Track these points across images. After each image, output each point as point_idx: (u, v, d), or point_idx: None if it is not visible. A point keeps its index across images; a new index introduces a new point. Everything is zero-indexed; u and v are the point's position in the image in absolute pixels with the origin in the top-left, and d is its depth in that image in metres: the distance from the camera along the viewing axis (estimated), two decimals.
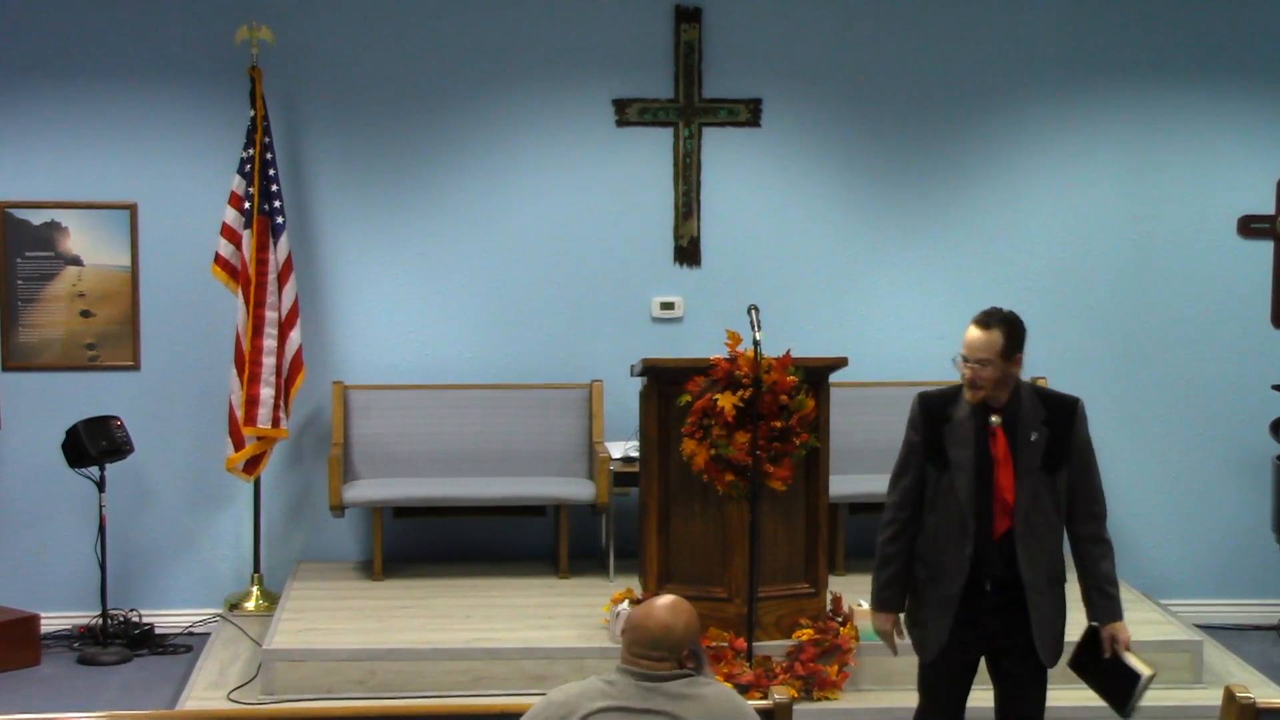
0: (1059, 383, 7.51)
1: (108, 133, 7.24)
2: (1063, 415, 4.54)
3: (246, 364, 6.97)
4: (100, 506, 6.97)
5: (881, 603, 4.66)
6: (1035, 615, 4.50)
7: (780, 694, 3.80)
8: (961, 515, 4.48)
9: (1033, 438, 4.48)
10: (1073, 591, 4.63)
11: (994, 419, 4.49)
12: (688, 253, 7.53)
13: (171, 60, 7.24)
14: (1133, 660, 4.50)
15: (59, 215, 7.24)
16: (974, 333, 4.46)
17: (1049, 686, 4.63)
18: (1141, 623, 6.48)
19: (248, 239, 7.00)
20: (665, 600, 3.53)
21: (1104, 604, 4.59)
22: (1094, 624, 4.60)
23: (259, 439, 7.02)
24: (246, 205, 7.01)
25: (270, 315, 7.00)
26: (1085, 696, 4.81)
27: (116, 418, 7.00)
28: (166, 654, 6.98)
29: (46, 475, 7.17)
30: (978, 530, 4.47)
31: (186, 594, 7.36)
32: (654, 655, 3.43)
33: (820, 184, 7.56)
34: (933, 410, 4.57)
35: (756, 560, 5.97)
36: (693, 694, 3.39)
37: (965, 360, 4.46)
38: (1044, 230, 7.60)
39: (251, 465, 7.09)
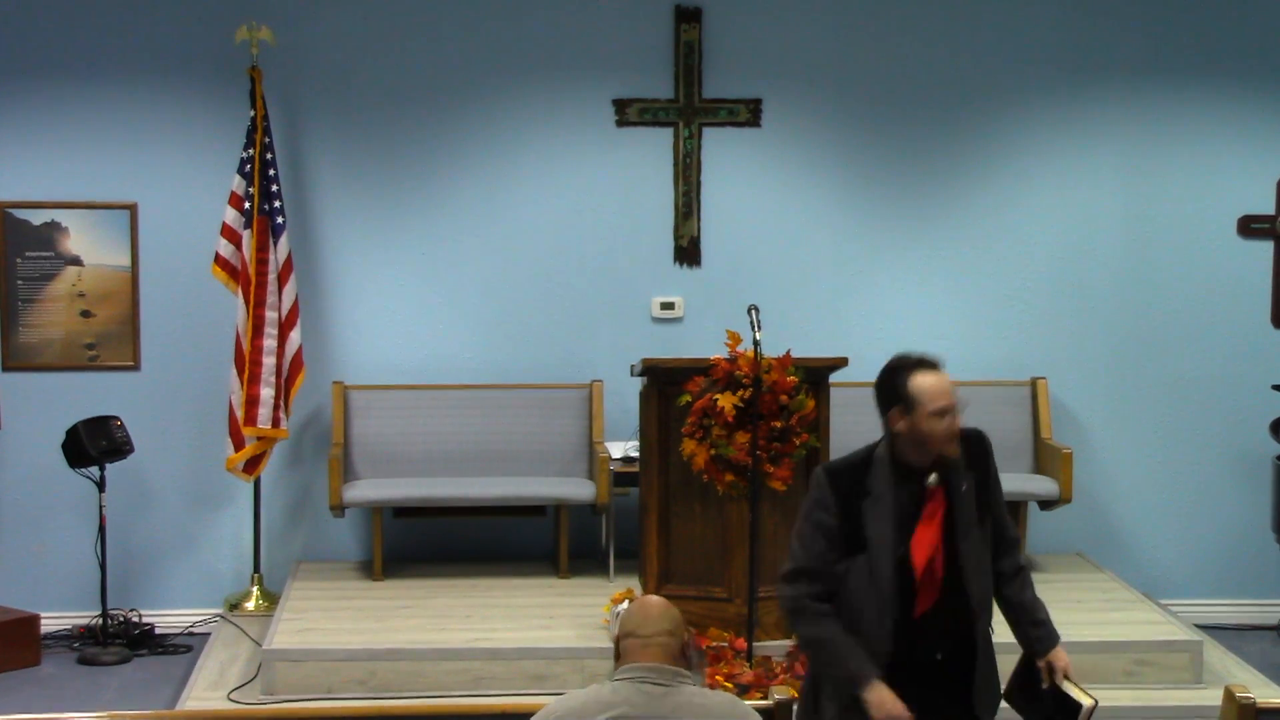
0: (1059, 383, 7.53)
1: (108, 133, 7.24)
2: (980, 451, 4.03)
3: (246, 364, 6.97)
4: (100, 506, 6.97)
5: (854, 673, 3.89)
6: (979, 677, 4.01)
7: (780, 694, 3.80)
8: (879, 600, 3.90)
9: (964, 488, 3.95)
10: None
11: (931, 479, 3.92)
12: (688, 253, 7.53)
13: (171, 60, 7.24)
14: (1072, 690, 4.02)
15: (59, 215, 7.24)
16: (943, 380, 3.92)
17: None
18: (1141, 623, 6.49)
19: (248, 239, 7.00)
20: (651, 596, 3.64)
21: (1039, 633, 4.07)
22: (1029, 654, 4.12)
23: (259, 439, 7.02)
24: (246, 205, 7.01)
25: (270, 315, 7.00)
26: None
27: (116, 418, 7.00)
28: (166, 654, 6.98)
29: (46, 475, 7.17)
30: (900, 611, 3.91)
31: (186, 594, 7.36)
32: (666, 629, 3.44)
33: (820, 184, 7.56)
34: (847, 485, 3.95)
35: (756, 560, 5.97)
36: (698, 702, 3.38)
37: (945, 413, 3.88)
38: (1044, 230, 7.60)
39: (251, 465, 7.09)
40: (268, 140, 7.03)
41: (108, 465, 6.95)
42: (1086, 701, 3.97)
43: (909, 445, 3.95)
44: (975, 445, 4.01)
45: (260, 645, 6.27)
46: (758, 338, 5.89)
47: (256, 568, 7.30)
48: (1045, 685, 4.07)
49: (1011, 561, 4.09)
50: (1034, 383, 7.50)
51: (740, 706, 3.45)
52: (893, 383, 3.97)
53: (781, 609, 4.12)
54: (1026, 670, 4.13)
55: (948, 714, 4.01)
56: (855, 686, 3.86)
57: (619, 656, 3.49)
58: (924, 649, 3.96)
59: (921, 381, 3.91)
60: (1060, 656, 4.07)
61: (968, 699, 4.01)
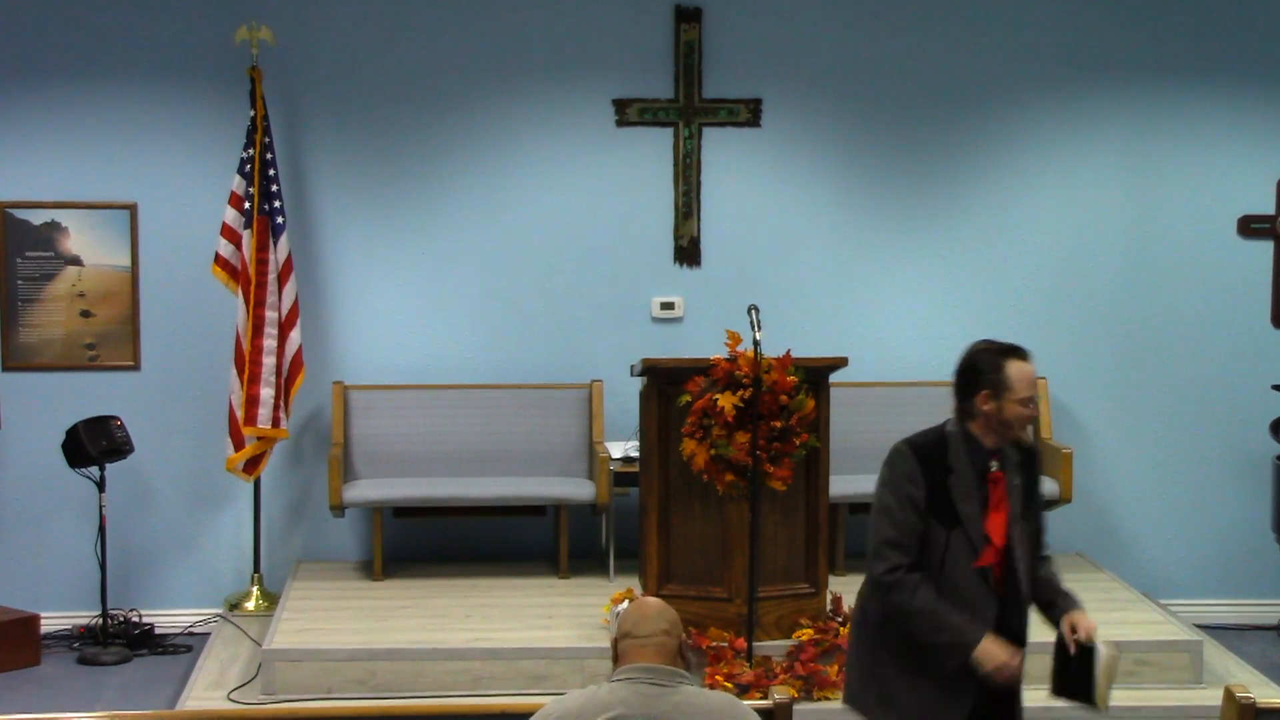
0: (1059, 383, 7.53)
1: (108, 133, 7.24)
2: (1030, 456, 4.22)
3: (246, 364, 6.97)
4: (100, 506, 6.97)
5: (963, 640, 4.03)
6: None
7: (780, 694, 3.80)
8: (980, 575, 4.07)
9: (1016, 481, 4.15)
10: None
11: (993, 464, 4.12)
12: (688, 253, 7.53)
13: (171, 60, 7.24)
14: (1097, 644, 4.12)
15: (59, 215, 7.24)
16: (1030, 369, 4.09)
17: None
18: (1141, 623, 6.49)
19: (248, 239, 7.00)
20: (648, 598, 3.65)
21: (1062, 598, 4.21)
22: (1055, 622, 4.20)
23: (259, 439, 7.02)
24: (246, 205, 7.01)
25: (270, 315, 7.00)
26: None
27: (116, 418, 7.00)
28: (166, 654, 6.98)
29: (46, 475, 7.17)
30: (1000, 589, 4.10)
31: (186, 594, 7.36)
32: (663, 629, 3.44)
33: (820, 184, 7.56)
34: (933, 462, 4.09)
35: (756, 560, 5.97)
36: (697, 702, 3.37)
37: (1029, 401, 4.06)
38: (1044, 230, 7.60)
39: (251, 465, 7.09)
40: (268, 140, 7.03)
41: (108, 465, 6.95)
42: (1104, 649, 4.06)
43: (988, 427, 4.11)
44: (1026, 453, 4.20)
45: (260, 645, 6.26)
46: (758, 338, 5.89)
47: (256, 568, 7.30)
48: (1073, 650, 4.10)
49: (1040, 552, 4.24)
50: None
51: (739, 707, 3.45)
52: (984, 367, 4.10)
53: (872, 582, 4.18)
54: (1060, 651, 4.14)
55: (998, 696, 4.13)
56: (966, 648, 3.99)
57: (617, 659, 3.49)
58: (1012, 623, 4.10)
59: (1014, 369, 4.07)
60: (1083, 617, 4.14)
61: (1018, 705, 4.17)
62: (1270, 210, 7.63)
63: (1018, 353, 4.11)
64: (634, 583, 6.61)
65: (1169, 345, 7.64)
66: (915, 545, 4.07)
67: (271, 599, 7.14)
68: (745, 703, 3.53)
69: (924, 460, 4.08)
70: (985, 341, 4.20)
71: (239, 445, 7.01)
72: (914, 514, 4.06)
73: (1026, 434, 4.16)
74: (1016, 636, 4.12)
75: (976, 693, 4.08)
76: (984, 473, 4.09)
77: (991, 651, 4.00)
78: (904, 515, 4.07)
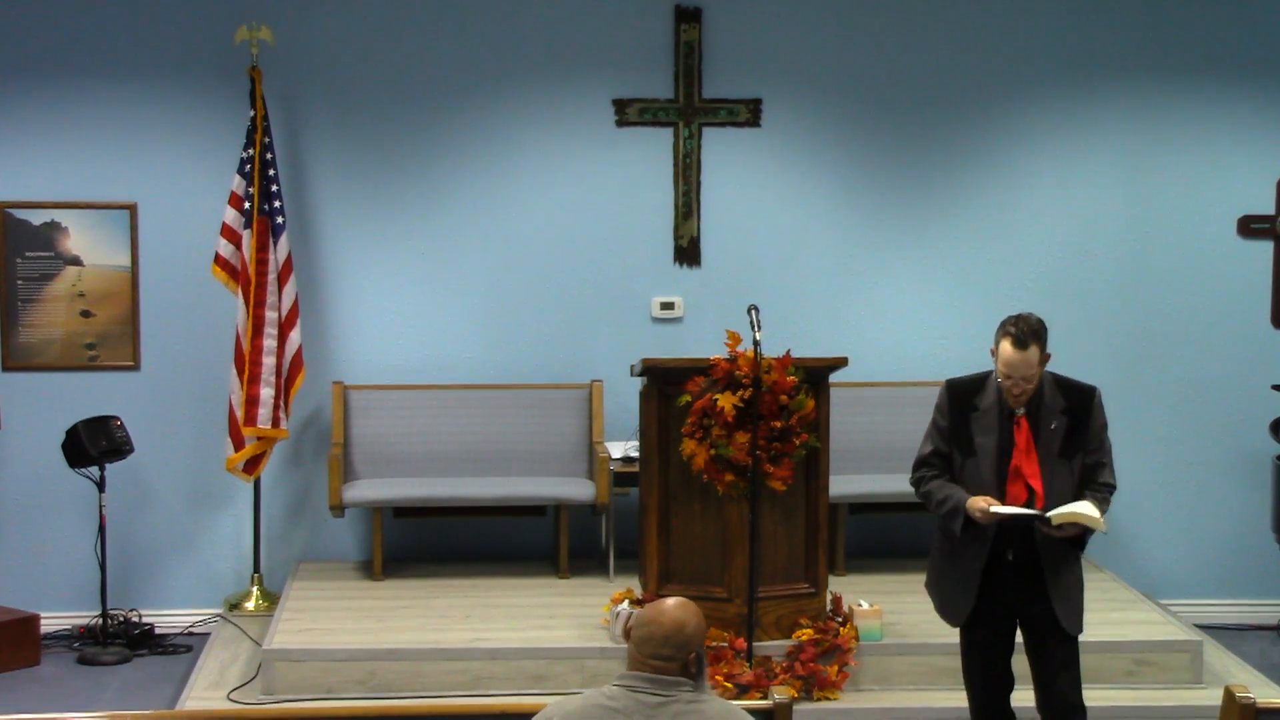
0: None
1: (108, 133, 7.24)
2: (1081, 404, 4.83)
3: (246, 364, 6.97)
4: (100, 506, 6.97)
5: (955, 502, 4.78)
6: (1053, 585, 4.77)
7: (780, 694, 3.80)
8: (984, 493, 4.74)
9: (1053, 426, 4.77)
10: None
11: (1018, 410, 4.77)
12: (688, 253, 7.53)
13: (171, 60, 7.24)
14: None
15: (59, 215, 7.24)
16: (1014, 354, 4.69)
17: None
18: (1141, 623, 6.49)
19: (248, 239, 7.00)
20: (674, 600, 3.51)
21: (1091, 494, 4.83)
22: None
23: (259, 439, 7.02)
24: (246, 205, 7.01)
25: (270, 315, 7.00)
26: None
27: (116, 418, 7.00)
28: (166, 654, 6.98)
29: (46, 475, 7.17)
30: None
31: (186, 594, 7.36)
32: (664, 654, 3.39)
33: (820, 184, 7.56)
34: (960, 398, 4.87)
35: (756, 560, 5.97)
36: (695, 711, 3.36)
37: (1009, 378, 4.71)
38: (1044, 230, 7.60)
39: (251, 465, 7.09)
40: (268, 140, 7.03)
41: (108, 465, 6.95)
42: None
43: None
44: (1077, 396, 4.85)
45: (260, 645, 6.26)
46: (758, 338, 5.89)
47: (256, 568, 7.30)
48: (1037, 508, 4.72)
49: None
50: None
51: (739, 716, 3.43)
52: (996, 335, 4.80)
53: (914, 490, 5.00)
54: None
55: (1031, 613, 4.83)
56: (959, 506, 4.75)
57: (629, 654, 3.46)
58: (1003, 542, 4.77)
59: (1002, 348, 4.74)
60: (1086, 507, 4.70)
61: (1048, 602, 4.77)
62: (1270, 210, 7.63)
63: (1009, 333, 4.72)
64: (634, 583, 6.61)
65: (1169, 345, 7.64)
66: (941, 462, 4.89)
67: (271, 599, 7.14)
68: (744, 705, 3.52)
69: (955, 397, 4.88)
70: (1017, 315, 4.81)
71: (239, 445, 7.01)
72: (940, 438, 4.90)
73: (1013, 401, 4.76)
74: (1022, 551, 4.75)
75: (979, 594, 4.82)
76: (1011, 414, 4.75)
77: (973, 503, 4.72)
78: (931, 440, 4.92)
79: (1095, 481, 4.84)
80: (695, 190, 7.50)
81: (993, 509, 4.68)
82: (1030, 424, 4.78)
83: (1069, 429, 4.80)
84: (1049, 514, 4.67)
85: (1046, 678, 4.85)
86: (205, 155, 7.25)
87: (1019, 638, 4.96)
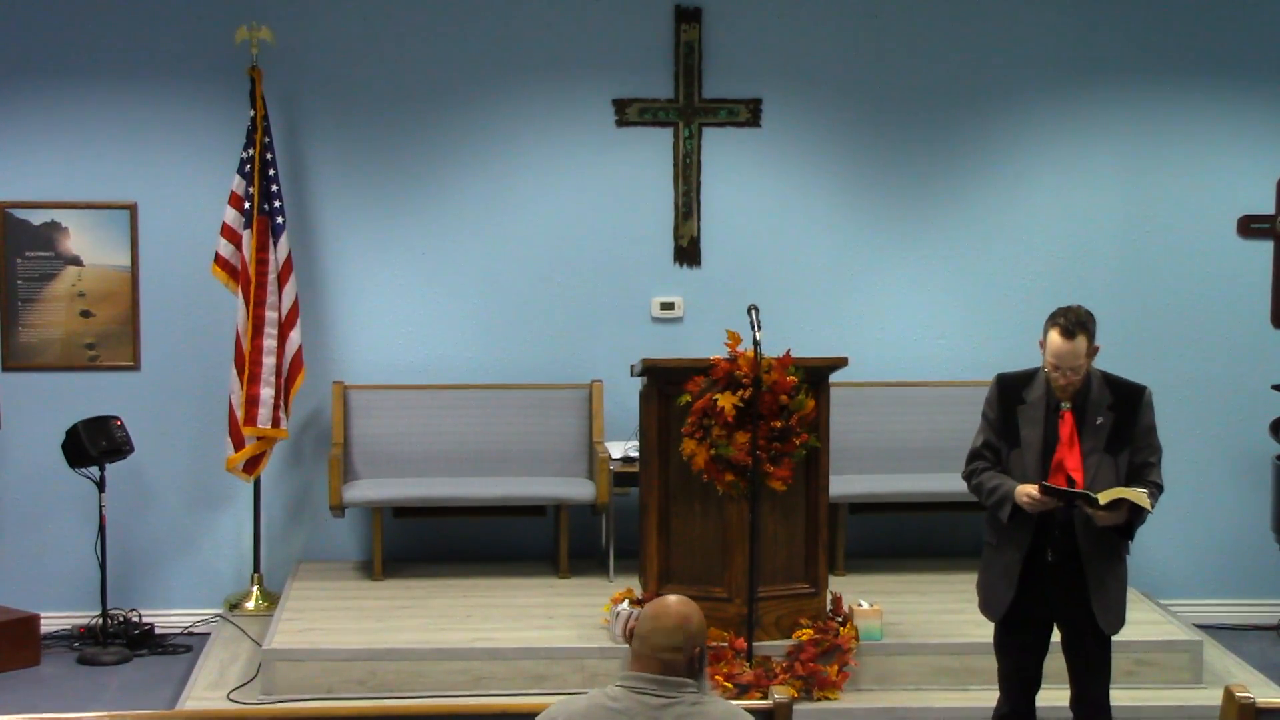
0: None
1: (108, 133, 7.24)
2: (1128, 402, 4.87)
3: (246, 364, 6.97)
4: (100, 506, 6.97)
5: (1004, 491, 4.84)
6: (1094, 584, 4.83)
7: (780, 694, 3.80)
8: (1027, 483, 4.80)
9: (1098, 421, 4.83)
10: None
11: (1064, 404, 4.83)
12: (688, 253, 7.53)
13: (171, 60, 7.24)
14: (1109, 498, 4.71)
15: (59, 215, 7.24)
16: (1061, 344, 4.74)
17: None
18: (1141, 623, 6.48)
19: (248, 239, 7.00)
20: (676, 597, 3.52)
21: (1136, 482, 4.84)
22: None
23: (259, 439, 7.02)
24: (246, 205, 7.01)
25: (270, 315, 7.00)
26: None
27: (116, 418, 7.00)
28: (166, 654, 6.98)
29: (46, 475, 7.17)
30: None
31: (186, 594, 7.36)
32: (674, 644, 3.40)
33: (820, 184, 7.56)
34: (1009, 391, 4.94)
35: (756, 560, 5.97)
36: (699, 713, 3.35)
37: (1056, 369, 4.77)
38: (1044, 230, 7.60)
39: (251, 465, 7.09)
40: (268, 140, 7.03)
41: (108, 465, 6.95)
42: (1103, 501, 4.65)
43: None
44: (1125, 393, 4.88)
45: (260, 645, 6.27)
46: (758, 338, 5.89)
47: (256, 568, 7.30)
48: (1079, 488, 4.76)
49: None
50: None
51: (741, 717, 3.43)
52: (1045, 325, 4.83)
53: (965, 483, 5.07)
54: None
55: (1070, 614, 4.89)
56: (1007, 495, 4.81)
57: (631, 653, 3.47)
58: (1060, 539, 4.82)
59: (1050, 336, 4.78)
60: (1131, 492, 4.72)
61: (1088, 604, 4.84)
62: (1270, 210, 7.63)
63: (1058, 324, 4.76)
64: (634, 583, 6.61)
65: (1168, 345, 7.64)
66: (992, 455, 4.95)
67: (271, 599, 7.14)
68: (744, 705, 3.52)
69: (1004, 389, 4.96)
70: (1065, 306, 4.84)
71: (239, 445, 7.01)
72: (990, 431, 4.98)
73: (1060, 393, 4.81)
74: (1063, 549, 4.80)
75: (1018, 589, 4.86)
76: (1057, 408, 4.82)
77: (1021, 489, 4.78)
78: (982, 432, 5.01)
79: (1143, 479, 4.85)
80: (695, 190, 7.50)
81: (1040, 487, 4.73)
82: (1075, 418, 4.84)
83: (1115, 425, 4.84)
84: (1096, 494, 4.69)
85: (1080, 676, 4.95)
86: (205, 155, 7.25)
87: (1055, 638, 5.01)
